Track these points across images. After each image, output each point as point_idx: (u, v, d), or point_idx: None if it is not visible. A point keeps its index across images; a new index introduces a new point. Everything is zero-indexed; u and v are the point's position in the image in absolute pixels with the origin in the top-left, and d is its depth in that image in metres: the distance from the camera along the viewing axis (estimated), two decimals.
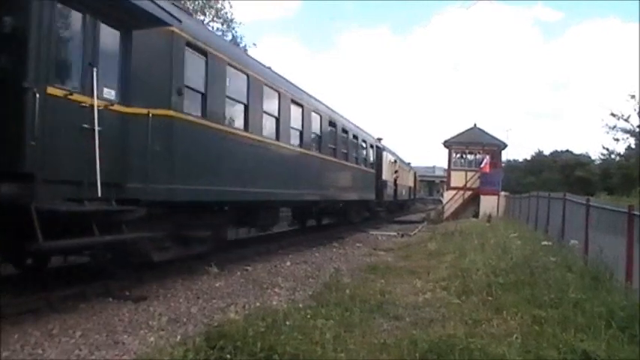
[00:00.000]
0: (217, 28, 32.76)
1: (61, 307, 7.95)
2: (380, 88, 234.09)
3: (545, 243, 13.99)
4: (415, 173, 58.82)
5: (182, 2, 29.29)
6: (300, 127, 16.61)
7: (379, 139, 33.86)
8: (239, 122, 12.71)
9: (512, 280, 9.30)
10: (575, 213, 13.99)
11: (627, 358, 5.70)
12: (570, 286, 8.22)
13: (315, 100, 18.89)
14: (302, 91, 17.48)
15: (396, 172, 38.37)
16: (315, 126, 18.32)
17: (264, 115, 13.85)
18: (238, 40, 34.28)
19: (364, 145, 27.00)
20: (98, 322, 7.45)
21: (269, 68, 15.19)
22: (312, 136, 18.09)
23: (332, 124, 20.52)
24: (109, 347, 6.42)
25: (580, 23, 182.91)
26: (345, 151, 22.55)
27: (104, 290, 9.03)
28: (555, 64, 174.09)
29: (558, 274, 9.34)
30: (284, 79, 15.85)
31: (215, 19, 33.54)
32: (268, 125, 14.20)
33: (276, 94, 14.82)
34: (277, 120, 14.73)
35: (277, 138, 14.64)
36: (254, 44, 34.56)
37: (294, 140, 16.25)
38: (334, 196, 20.69)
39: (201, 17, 31.70)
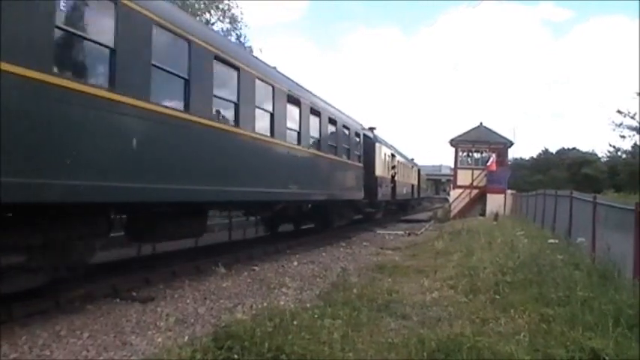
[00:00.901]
0: (224, 29, 32.75)
1: (68, 308, 8.00)
2: (386, 88, 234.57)
3: (552, 241, 13.96)
4: (419, 170, 53.89)
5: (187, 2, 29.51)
6: (235, 99, 12.12)
7: (371, 129, 29.65)
8: (125, 83, 8.25)
9: (520, 278, 9.27)
10: (582, 211, 13.94)
11: (636, 356, 5.67)
12: (578, 284, 8.19)
13: (264, 64, 14.69)
14: (237, 47, 13.59)
15: (393, 167, 33.71)
16: (263, 100, 13.60)
17: (165, 76, 9.54)
18: (242, 39, 34.24)
19: (347, 132, 21.90)
20: (106, 323, 7.48)
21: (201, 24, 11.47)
22: (259, 113, 13.31)
23: (293, 100, 15.61)
24: (117, 348, 6.45)
25: (587, 21, 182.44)
26: (317, 137, 17.70)
27: (111, 291, 9.06)
28: (562, 63, 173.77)
29: (566, 272, 9.31)
30: (204, 26, 11.76)
31: (222, 18, 33.53)
32: (174, 91, 9.99)
33: (185, 45, 10.12)
34: (187, 82, 10.08)
35: (187, 109, 10.06)
36: (260, 50, 34.19)
37: (227, 118, 12.00)
38: (299, 195, 15.93)
39: (207, 17, 31.70)
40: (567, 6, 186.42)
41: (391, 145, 34.57)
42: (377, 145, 28.26)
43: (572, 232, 14.51)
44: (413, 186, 46.09)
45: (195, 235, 12.84)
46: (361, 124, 26.24)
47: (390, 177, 32.19)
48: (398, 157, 36.52)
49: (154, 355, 6.05)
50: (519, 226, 20.22)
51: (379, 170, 28.16)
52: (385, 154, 30.83)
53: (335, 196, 19.78)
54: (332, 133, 19.67)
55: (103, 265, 11.39)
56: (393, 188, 33.24)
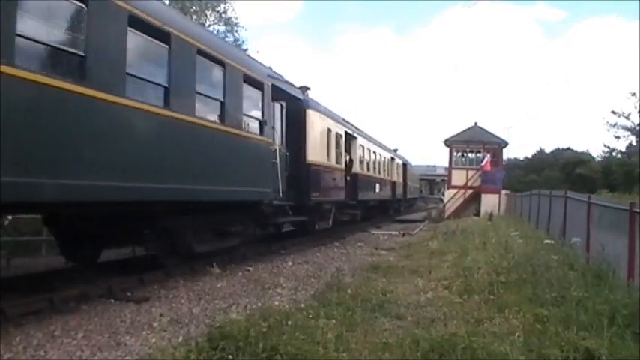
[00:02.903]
0: (220, 31, 32.71)
1: (63, 308, 7.98)
2: (382, 89, 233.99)
3: (546, 241, 13.97)
4: (405, 165, 44.39)
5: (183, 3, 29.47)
6: None
7: (304, 89, 19.02)
8: None
9: (514, 278, 9.29)
10: (576, 211, 13.97)
11: (630, 356, 5.69)
12: (572, 284, 8.21)
13: None
14: None
15: (347, 152, 23.59)
16: None
17: None
18: (240, 42, 34.18)
19: (220, 74, 11.76)
20: (100, 323, 7.47)
21: None
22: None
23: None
24: (111, 348, 6.43)
25: (581, 22, 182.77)
26: (104, 60, 8.19)
27: (106, 291, 9.04)
28: (556, 63, 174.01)
29: (560, 272, 9.33)
30: None
31: (217, 21, 33.50)
32: None
33: None
34: None
35: None
36: (257, 52, 33.68)
37: None
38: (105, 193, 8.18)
39: (203, 19, 31.67)
40: (560, 6, 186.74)
41: (346, 121, 24.10)
42: (310, 113, 17.83)
43: (567, 232, 14.53)
44: (394, 184, 37.08)
45: None
46: (276, 72, 16.40)
47: (342, 167, 21.96)
48: (361, 141, 26.49)
49: (148, 355, 6.03)
50: (514, 226, 20.24)
51: (315, 154, 18.03)
52: (330, 131, 20.21)
53: (206, 195, 11.11)
54: (168, 66, 9.86)
55: (97, 265, 11.38)
56: (352, 184, 24.01)
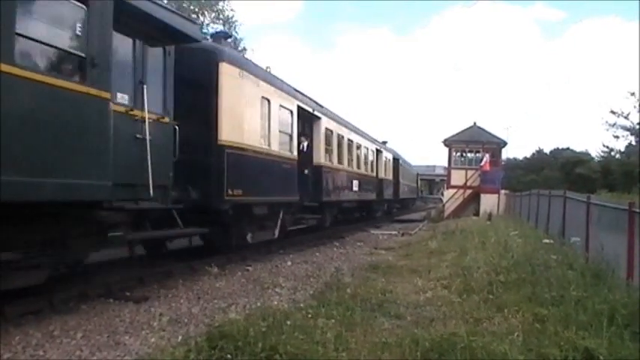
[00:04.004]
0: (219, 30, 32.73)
1: (62, 308, 7.96)
2: (381, 89, 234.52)
3: (546, 241, 13.98)
4: (398, 160, 39.70)
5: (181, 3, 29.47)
6: None
7: (220, 37, 14.47)
8: None
9: (514, 278, 9.28)
10: (575, 210, 13.96)
11: (629, 356, 5.69)
12: (572, 284, 8.21)
13: None
14: None
15: (306, 137, 18.80)
16: None
17: None
18: (238, 40, 34.18)
19: None
20: (99, 322, 7.45)
21: None
22: None
23: None
24: (110, 348, 6.42)
25: (580, 22, 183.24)
26: None
27: (105, 291, 9.02)
28: (556, 63, 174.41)
29: (559, 271, 9.33)
30: None
31: (215, 20, 33.50)
32: None
33: None
34: None
35: None
36: (252, 50, 33.54)
37: None
38: None
39: (201, 18, 31.66)
40: (559, 7, 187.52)
41: (300, 92, 17.99)
42: (227, 69, 12.15)
43: (566, 232, 14.53)
44: (382, 181, 31.58)
45: None
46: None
47: (292, 155, 16.33)
48: (328, 123, 20.80)
49: (147, 355, 6.03)
50: (513, 226, 20.24)
51: (236, 131, 12.42)
52: (269, 102, 14.43)
53: None
54: None
55: (96, 264, 11.36)
56: (314, 180, 18.90)
